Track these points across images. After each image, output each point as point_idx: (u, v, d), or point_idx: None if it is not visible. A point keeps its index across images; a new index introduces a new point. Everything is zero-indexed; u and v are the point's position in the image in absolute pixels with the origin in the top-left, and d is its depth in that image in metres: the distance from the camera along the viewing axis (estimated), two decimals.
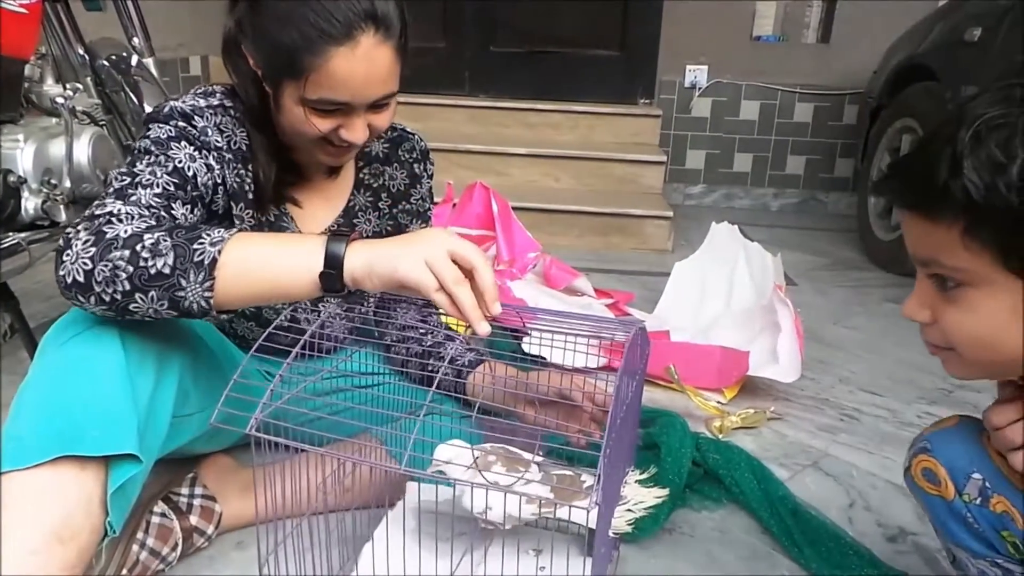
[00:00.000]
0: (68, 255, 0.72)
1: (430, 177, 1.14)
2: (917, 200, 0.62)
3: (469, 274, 0.74)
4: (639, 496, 0.82)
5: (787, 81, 3.36)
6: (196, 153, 0.88)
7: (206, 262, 0.70)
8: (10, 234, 1.36)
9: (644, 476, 0.88)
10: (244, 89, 0.92)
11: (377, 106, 0.89)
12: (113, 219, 0.75)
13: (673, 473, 1.11)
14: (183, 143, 0.87)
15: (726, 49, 3.35)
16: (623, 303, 1.95)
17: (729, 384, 1.50)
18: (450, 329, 1.15)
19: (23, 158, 1.41)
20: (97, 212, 0.76)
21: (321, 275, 0.74)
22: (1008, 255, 0.57)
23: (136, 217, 0.76)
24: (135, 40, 1.96)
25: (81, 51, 1.81)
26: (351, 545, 0.90)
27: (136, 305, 0.72)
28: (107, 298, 0.71)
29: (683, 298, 1.84)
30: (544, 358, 1.23)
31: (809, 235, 3.05)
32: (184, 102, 0.91)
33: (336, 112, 0.87)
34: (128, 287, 0.70)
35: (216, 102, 0.93)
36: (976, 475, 0.70)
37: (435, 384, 0.74)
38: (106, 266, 0.70)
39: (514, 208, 2.10)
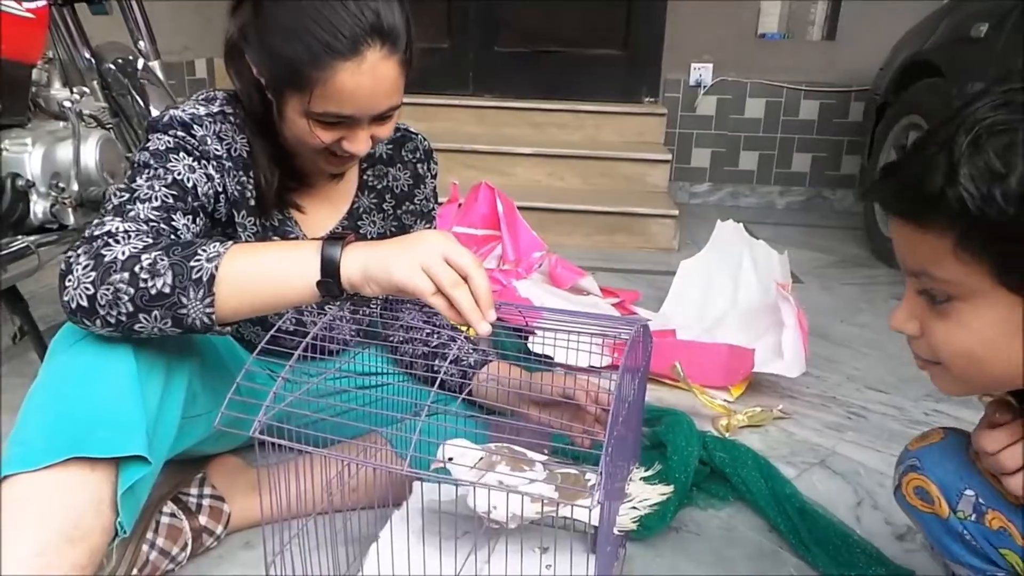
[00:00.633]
0: (70, 280, 0.72)
1: (434, 177, 1.14)
2: (909, 207, 0.59)
3: (464, 279, 0.74)
4: (644, 494, 0.82)
5: (792, 79, 3.35)
6: (195, 163, 0.88)
7: (204, 279, 0.71)
8: (19, 237, 1.37)
9: (649, 473, 0.88)
10: (247, 96, 0.92)
11: (380, 118, 0.89)
12: (111, 240, 0.75)
13: (679, 471, 1.11)
14: (182, 154, 0.87)
15: (731, 47, 3.34)
16: (629, 302, 1.95)
17: (735, 382, 1.50)
18: (455, 329, 1.16)
19: (31, 162, 1.42)
20: (96, 232, 0.76)
21: (319, 282, 0.74)
22: (1002, 268, 0.55)
23: (134, 235, 0.76)
24: (141, 43, 1.97)
25: (87, 55, 1.82)
26: (357, 545, 0.91)
27: (141, 325, 0.72)
28: (112, 320, 0.72)
29: (689, 297, 1.84)
30: (550, 357, 1.23)
31: (815, 232, 3.04)
32: (184, 110, 0.90)
33: (339, 124, 0.87)
34: (131, 308, 0.71)
35: (216, 109, 0.93)
36: (968, 492, 0.68)
37: (438, 384, 0.74)
38: (107, 289, 0.71)
39: (519, 208, 2.11)
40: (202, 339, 0.90)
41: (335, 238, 0.75)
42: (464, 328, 0.81)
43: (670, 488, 0.87)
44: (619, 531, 0.80)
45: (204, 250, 0.73)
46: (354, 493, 0.94)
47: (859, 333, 1.90)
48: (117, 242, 0.74)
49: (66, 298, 0.72)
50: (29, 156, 1.42)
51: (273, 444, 0.70)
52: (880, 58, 2.81)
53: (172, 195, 0.84)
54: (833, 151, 3.44)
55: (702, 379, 1.48)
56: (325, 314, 1.05)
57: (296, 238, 1.01)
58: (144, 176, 0.84)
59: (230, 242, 0.74)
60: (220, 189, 0.92)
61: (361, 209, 1.07)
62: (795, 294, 1.61)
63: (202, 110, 0.92)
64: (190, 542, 0.94)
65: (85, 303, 0.71)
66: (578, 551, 0.82)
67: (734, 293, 1.78)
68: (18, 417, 0.74)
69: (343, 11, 0.81)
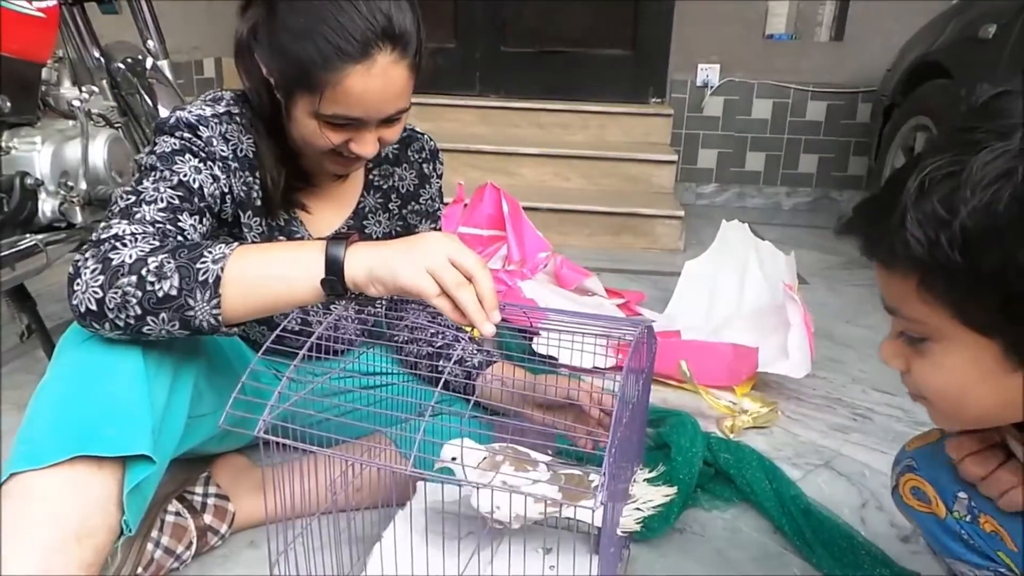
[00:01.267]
0: (78, 284, 0.73)
1: (439, 177, 1.14)
2: (873, 249, 0.58)
3: (468, 280, 0.74)
4: (648, 495, 0.82)
5: (800, 79, 3.34)
6: (201, 165, 0.88)
7: (210, 280, 0.71)
8: (27, 236, 1.38)
9: (653, 475, 0.88)
10: (255, 95, 0.92)
11: (388, 120, 0.89)
12: (118, 243, 0.75)
13: (684, 472, 1.11)
14: (188, 156, 0.88)
15: (738, 48, 3.33)
16: (634, 303, 1.95)
17: (740, 382, 1.50)
18: (460, 330, 1.16)
19: (40, 160, 1.43)
20: (103, 236, 0.77)
21: (323, 281, 0.74)
22: (961, 312, 0.53)
23: (140, 237, 0.77)
24: (150, 43, 1.98)
25: (97, 54, 1.83)
26: (361, 545, 0.91)
27: (149, 328, 0.73)
28: (121, 323, 0.72)
29: (694, 297, 1.84)
30: (555, 358, 1.23)
31: (822, 234, 3.03)
32: (191, 112, 0.91)
33: (348, 126, 0.87)
34: (139, 311, 0.71)
35: (223, 109, 0.93)
36: (962, 494, 0.69)
37: (441, 384, 0.74)
38: (116, 293, 0.71)
39: (525, 208, 2.11)
40: (208, 339, 0.90)
41: (339, 238, 0.75)
42: (469, 329, 0.81)
43: (674, 489, 0.87)
44: (622, 532, 0.80)
45: (210, 252, 0.73)
46: (358, 493, 0.94)
47: (865, 335, 1.89)
48: (124, 245, 0.75)
49: (75, 302, 0.73)
50: (38, 155, 1.43)
51: (277, 444, 0.70)
52: (888, 59, 2.80)
53: (178, 196, 0.84)
54: (840, 152, 3.43)
55: (706, 379, 1.48)
56: (330, 314, 1.05)
57: (302, 238, 1.02)
58: (150, 179, 0.85)
59: (236, 243, 0.75)
60: (226, 190, 0.92)
61: (367, 209, 1.08)
62: (801, 295, 1.60)
63: (208, 111, 0.92)
64: (195, 541, 0.95)
65: (94, 307, 0.72)
66: (581, 552, 0.82)
67: (740, 294, 1.77)
68: (25, 415, 0.75)
69: (355, 14, 0.81)
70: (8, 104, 1.33)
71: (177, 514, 0.94)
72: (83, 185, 1.48)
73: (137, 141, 1.86)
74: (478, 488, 0.73)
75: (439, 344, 1.10)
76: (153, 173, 0.85)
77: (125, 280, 0.71)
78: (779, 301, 1.60)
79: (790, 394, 1.53)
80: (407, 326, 1.09)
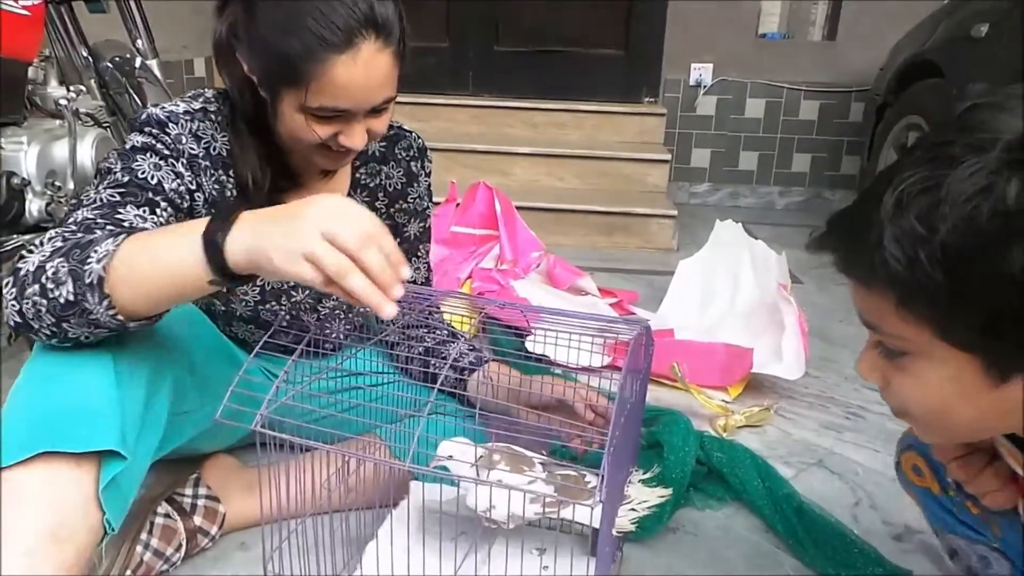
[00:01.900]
0: (4, 299, 0.71)
1: (428, 175, 1.13)
2: (850, 266, 0.56)
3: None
4: (643, 496, 0.82)
5: (793, 79, 3.35)
6: (162, 162, 0.87)
7: (94, 283, 0.67)
8: (14, 236, 1.37)
9: (648, 476, 0.88)
10: (238, 94, 0.91)
11: (376, 111, 0.89)
12: (27, 252, 0.73)
13: (676, 472, 1.11)
14: (149, 153, 0.87)
15: (731, 47, 3.34)
16: (627, 302, 1.95)
17: (733, 382, 1.50)
18: (453, 328, 1.15)
19: (27, 160, 1.41)
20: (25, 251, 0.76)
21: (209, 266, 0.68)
22: (943, 329, 0.52)
23: (48, 242, 0.73)
24: (139, 42, 1.97)
25: (85, 53, 1.81)
26: (354, 545, 0.90)
27: (72, 333, 0.70)
28: (47, 332, 0.71)
29: (688, 297, 1.84)
30: (548, 357, 1.23)
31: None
32: (163, 108, 0.90)
33: (336, 118, 0.87)
34: (52, 319, 0.69)
35: (198, 106, 0.92)
36: (950, 477, 0.70)
37: (437, 383, 0.73)
38: (28, 304, 0.69)
39: (518, 207, 2.10)
40: (191, 335, 0.89)
41: (221, 215, 0.68)
42: (468, 327, 0.81)
43: (669, 491, 0.87)
44: (618, 532, 0.80)
45: (97, 250, 0.69)
46: (351, 492, 0.93)
47: (857, 333, 1.88)
48: (31, 252, 0.72)
49: (6, 318, 0.71)
50: (25, 154, 1.41)
51: (272, 440, 0.70)
52: (880, 58, 2.81)
53: (120, 192, 0.83)
54: (833, 151, 3.44)
55: (700, 379, 1.47)
56: (318, 312, 1.05)
57: None
58: (102, 184, 0.84)
59: (122, 236, 0.70)
60: (192, 187, 0.91)
61: None
62: (794, 294, 1.60)
63: (181, 108, 0.91)
64: (184, 543, 0.94)
65: (19, 319, 0.70)
66: (576, 553, 0.82)
67: (733, 294, 1.77)
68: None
69: (337, 4, 0.81)
70: None
71: (167, 516, 0.93)
72: (71, 185, 1.47)
73: (125, 141, 1.85)
74: (476, 485, 0.72)
75: (431, 344, 1.10)
76: (108, 177, 0.85)
77: (30, 290, 0.69)
78: (772, 301, 1.60)
79: (783, 392, 1.53)
80: (398, 325, 1.09)
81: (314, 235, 0.63)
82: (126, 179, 0.84)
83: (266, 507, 0.76)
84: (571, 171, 2.99)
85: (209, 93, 0.95)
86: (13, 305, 0.70)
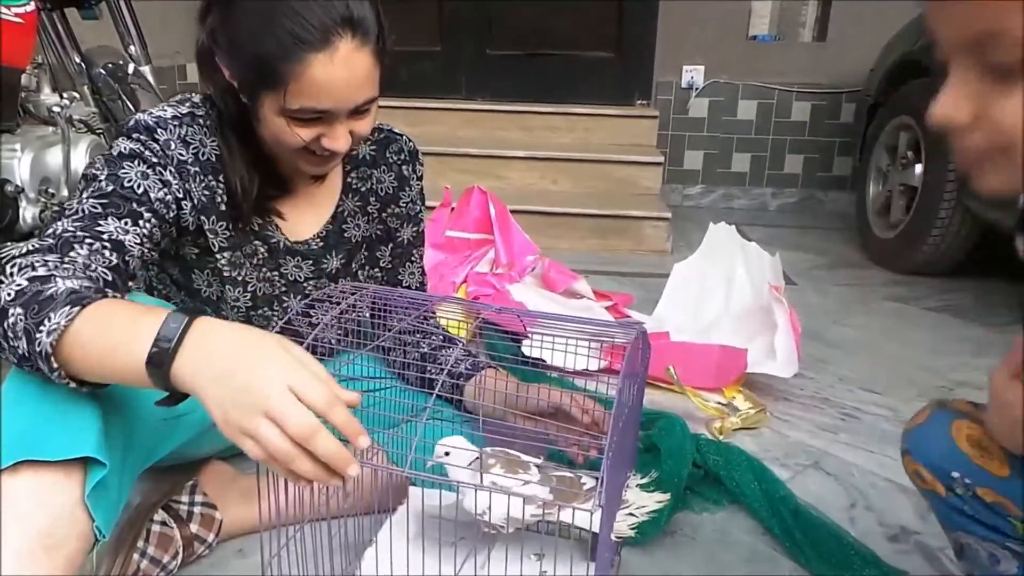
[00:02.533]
0: None
1: (419, 179, 1.13)
2: None
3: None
4: (641, 500, 0.82)
5: (784, 80, 3.37)
6: (149, 171, 0.87)
7: (44, 353, 0.66)
8: (8, 244, 1.36)
9: (645, 480, 0.88)
10: (222, 101, 0.91)
11: (358, 112, 0.88)
12: (5, 271, 0.71)
13: (674, 476, 1.11)
14: (136, 161, 0.86)
15: (722, 49, 3.35)
16: (622, 305, 1.95)
17: (728, 383, 1.50)
18: (448, 333, 1.15)
19: (20, 168, 1.41)
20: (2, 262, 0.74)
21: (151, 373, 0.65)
22: None
23: (18, 272, 0.71)
24: (131, 48, 1.96)
25: (78, 60, 1.81)
26: (353, 551, 0.90)
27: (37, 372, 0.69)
28: (15, 360, 0.69)
29: (682, 299, 1.84)
30: (544, 360, 1.23)
31: (808, 234, 3.05)
32: (151, 114, 0.90)
33: (317, 121, 0.86)
34: (14, 359, 0.69)
35: (185, 110, 0.92)
36: (955, 473, 0.69)
37: (434, 388, 0.73)
38: None
39: (512, 211, 2.11)
40: None
41: (166, 338, 0.63)
42: (463, 331, 0.81)
43: (667, 496, 0.87)
44: (617, 537, 0.80)
45: (50, 318, 0.66)
46: (349, 498, 0.93)
47: (852, 334, 1.91)
48: (2, 282, 0.71)
49: None
50: (18, 162, 1.41)
51: None
52: (871, 59, 2.82)
53: (102, 203, 0.82)
54: (825, 152, 3.46)
55: (695, 380, 1.48)
56: (311, 318, 1.04)
57: (277, 243, 1.00)
58: (86, 191, 0.83)
59: (77, 307, 0.67)
60: (180, 195, 0.90)
61: (345, 212, 1.06)
62: (788, 296, 1.61)
63: (169, 113, 0.91)
64: (181, 550, 0.93)
65: None
66: (575, 558, 0.82)
67: (727, 295, 1.78)
68: None
69: (312, 3, 0.80)
70: None
71: (163, 523, 0.93)
72: (64, 192, 1.46)
73: (112, 146, 1.84)
74: (476, 489, 0.73)
75: (426, 349, 1.09)
76: (92, 184, 0.84)
77: None
78: (765, 302, 1.61)
79: (778, 394, 1.54)
80: (393, 331, 1.08)
81: (256, 415, 0.60)
82: (110, 188, 0.84)
83: (264, 514, 0.76)
84: (564, 174, 3.00)
85: (197, 97, 0.94)
86: None
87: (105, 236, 0.81)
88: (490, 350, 1.55)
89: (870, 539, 1.07)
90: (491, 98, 3.40)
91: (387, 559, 0.79)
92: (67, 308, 0.66)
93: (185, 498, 0.97)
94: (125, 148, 0.87)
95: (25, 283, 0.69)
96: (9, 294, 0.69)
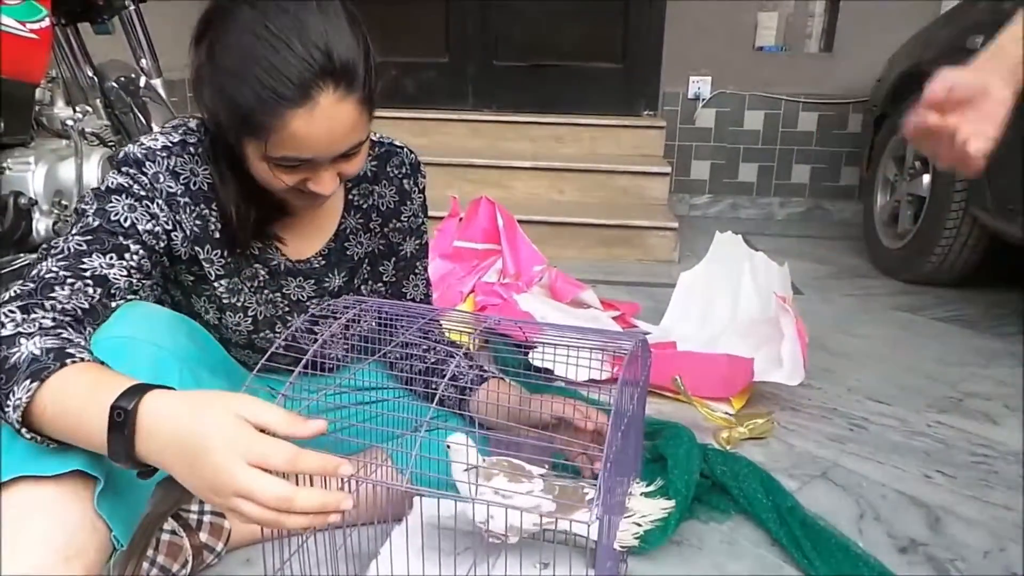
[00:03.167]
0: None
1: (422, 191, 1.11)
2: None
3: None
4: (645, 508, 0.82)
5: (791, 91, 3.37)
6: (136, 203, 0.86)
7: (15, 425, 0.68)
8: (22, 255, 1.38)
9: (650, 488, 0.88)
10: (214, 130, 0.88)
11: (345, 156, 0.85)
12: None
13: (681, 485, 1.11)
14: (124, 195, 0.86)
15: (729, 60, 3.36)
16: (629, 315, 1.95)
17: (735, 392, 1.50)
18: (454, 344, 1.16)
19: (34, 180, 1.43)
20: None
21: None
22: None
23: (0, 324, 0.72)
24: (143, 61, 1.99)
25: (90, 73, 1.84)
26: (358, 561, 0.91)
27: None
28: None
29: (689, 309, 1.84)
30: (551, 371, 1.23)
31: (815, 244, 3.05)
32: (141, 144, 0.89)
33: (302, 166, 0.83)
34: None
35: (177, 139, 0.90)
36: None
37: (436, 401, 0.74)
38: None
39: (519, 221, 2.11)
40: (196, 351, 0.89)
41: (128, 402, 0.64)
42: (468, 340, 0.81)
43: (672, 503, 0.87)
44: (620, 546, 0.80)
45: (14, 391, 0.67)
46: (354, 509, 0.93)
47: (860, 344, 1.90)
48: None
49: None
50: (32, 174, 1.43)
51: None
52: (877, 70, 2.83)
53: (87, 240, 0.83)
54: (832, 162, 3.46)
55: (702, 390, 1.48)
56: (316, 333, 1.04)
57: (278, 265, 0.99)
58: (75, 227, 0.84)
59: (36, 383, 0.67)
60: (169, 227, 0.89)
61: (348, 230, 1.05)
62: (795, 305, 1.61)
63: (159, 143, 0.89)
64: (190, 559, 0.94)
65: None
66: (578, 566, 0.82)
67: (734, 305, 1.78)
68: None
69: (289, 55, 0.75)
70: (2, 125, 1.33)
71: (172, 532, 0.94)
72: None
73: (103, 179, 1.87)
74: (474, 502, 0.73)
75: (432, 360, 1.10)
76: (80, 221, 0.85)
77: None
78: (772, 312, 1.61)
79: (786, 404, 1.53)
80: (398, 342, 1.09)
81: (230, 496, 0.61)
82: (96, 223, 0.84)
83: None
84: (571, 184, 3.01)
85: (192, 123, 0.93)
86: None
87: (88, 273, 0.81)
88: (497, 360, 1.56)
89: (879, 550, 1.06)
90: (498, 109, 3.43)
91: (392, 568, 0.79)
92: (27, 383, 0.67)
93: (195, 507, 0.98)
94: (113, 183, 0.87)
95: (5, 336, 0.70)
96: None
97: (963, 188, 2.21)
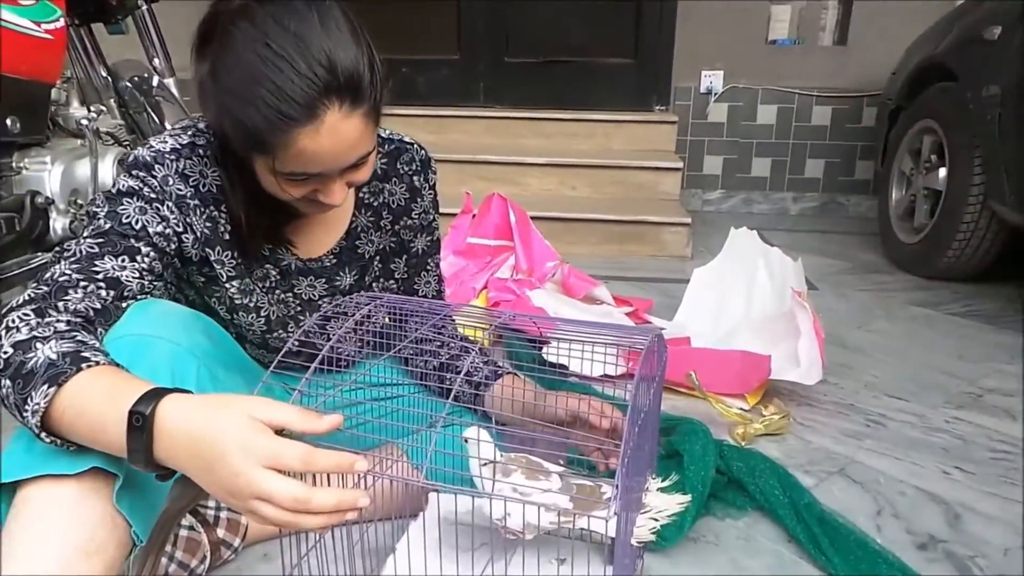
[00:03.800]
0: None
1: (432, 187, 1.11)
2: None
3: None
4: (662, 504, 0.82)
5: (804, 84, 3.34)
6: (147, 206, 0.87)
7: (35, 430, 0.69)
8: (39, 254, 1.39)
9: (666, 484, 0.88)
10: (221, 138, 0.88)
11: (354, 166, 0.85)
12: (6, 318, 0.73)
13: (697, 481, 1.10)
14: (134, 198, 0.86)
15: (741, 53, 3.34)
16: (643, 310, 1.95)
17: (751, 389, 1.49)
18: (467, 340, 1.16)
19: (51, 180, 1.44)
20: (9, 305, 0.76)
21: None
22: None
23: (6, 333, 0.72)
24: (156, 61, 2.00)
25: (104, 73, 1.85)
26: (375, 557, 0.91)
27: None
28: (21, 423, 0.71)
29: (703, 304, 1.83)
30: (565, 367, 1.23)
31: (829, 239, 3.02)
32: (151, 147, 0.89)
33: (311, 179, 0.83)
34: (21, 423, 0.70)
35: (186, 140, 0.90)
36: None
37: (451, 397, 0.74)
38: None
39: (531, 217, 2.11)
40: (214, 348, 0.90)
41: (141, 410, 0.64)
42: (481, 336, 0.81)
43: (688, 498, 0.87)
44: (637, 542, 0.80)
45: (32, 397, 0.68)
46: (371, 504, 0.94)
47: (876, 340, 1.88)
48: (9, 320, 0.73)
49: None
50: (48, 174, 1.44)
51: None
52: (892, 62, 2.80)
53: (99, 243, 0.83)
54: (846, 156, 3.43)
55: (717, 387, 1.47)
56: (327, 332, 1.04)
57: (289, 265, 1.00)
58: (87, 229, 0.85)
59: (53, 388, 0.68)
60: (179, 229, 0.89)
61: (359, 229, 1.05)
62: (810, 301, 1.59)
63: (168, 145, 0.89)
64: (208, 555, 0.95)
65: None
66: (595, 562, 0.82)
67: (748, 301, 1.77)
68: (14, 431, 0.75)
69: (292, 73, 0.74)
70: (18, 125, 1.34)
71: (191, 528, 0.94)
72: None
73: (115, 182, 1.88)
74: (491, 498, 0.73)
75: (446, 356, 1.10)
76: (92, 224, 0.85)
77: None
78: (788, 308, 1.59)
79: (802, 400, 1.52)
80: (410, 339, 1.09)
81: (248, 498, 0.62)
82: (108, 226, 0.84)
83: None
84: (583, 180, 3.00)
85: (202, 124, 0.93)
86: None
87: (100, 276, 0.81)
88: (511, 356, 1.56)
89: (898, 547, 1.05)
90: (510, 105, 3.42)
91: (409, 565, 0.79)
92: (44, 387, 0.68)
93: (212, 503, 0.98)
94: (124, 186, 0.87)
95: (10, 350, 0.71)
96: (4, 349, 0.71)
97: (981, 182, 2.18)
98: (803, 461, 1.30)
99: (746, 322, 1.71)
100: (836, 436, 1.39)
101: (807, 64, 3.33)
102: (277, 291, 1.00)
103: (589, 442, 0.92)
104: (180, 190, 0.89)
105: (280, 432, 0.65)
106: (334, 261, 1.03)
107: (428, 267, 1.14)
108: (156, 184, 0.88)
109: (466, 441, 0.77)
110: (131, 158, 0.89)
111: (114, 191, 0.88)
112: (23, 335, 0.72)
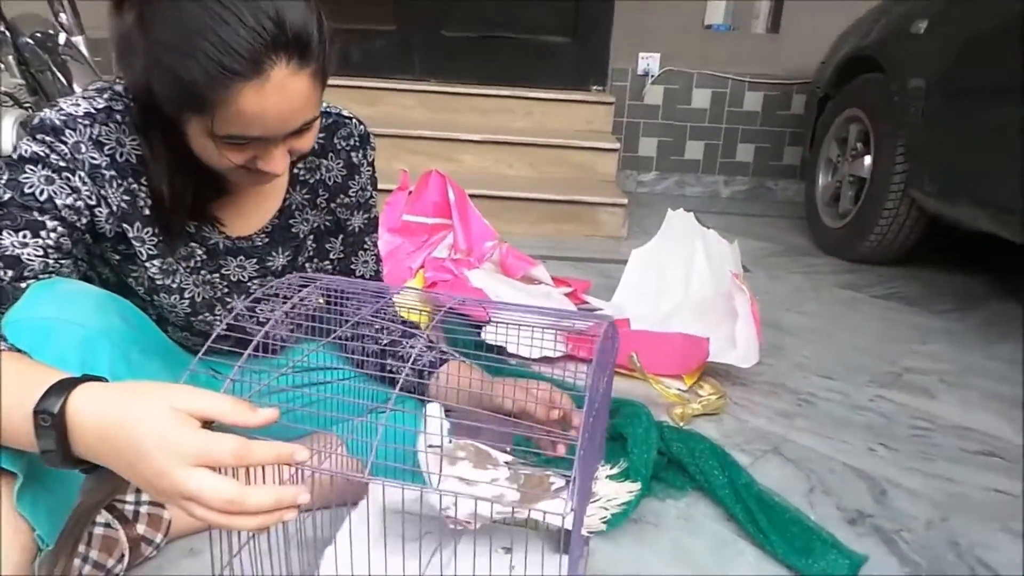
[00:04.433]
0: None
1: (371, 163, 1.06)
2: None
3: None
4: (612, 492, 0.80)
5: (737, 70, 3.41)
6: (55, 175, 0.79)
7: None
8: None
9: (615, 471, 0.87)
10: (145, 101, 0.79)
11: (297, 132, 0.79)
12: None
13: (641, 464, 1.11)
14: (39, 166, 0.78)
15: (678, 37, 3.37)
16: (580, 291, 1.94)
17: (690, 370, 1.51)
18: (407, 324, 1.11)
19: None
20: None
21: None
22: None
23: None
24: (62, 16, 1.85)
25: (2, 28, 1.69)
26: (312, 549, 0.87)
27: None
28: None
29: (641, 286, 1.84)
30: (503, 349, 1.20)
31: (759, 222, 3.11)
32: (61, 110, 0.80)
33: (251, 144, 0.77)
34: None
35: (102, 105, 0.82)
36: None
37: (395, 385, 0.70)
38: None
39: (468, 195, 2.07)
40: (128, 335, 0.83)
41: (48, 418, 0.58)
42: (423, 319, 0.77)
43: (637, 486, 0.86)
44: (588, 532, 0.78)
45: None
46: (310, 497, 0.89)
47: (806, 321, 1.94)
48: None
49: None
50: None
51: None
52: (822, 51, 2.87)
53: None
54: (776, 142, 3.52)
55: (657, 368, 1.48)
56: (257, 315, 0.98)
57: (216, 244, 0.93)
58: None
59: None
60: (92, 202, 0.82)
61: (293, 206, 0.99)
62: (748, 284, 1.62)
63: (81, 108, 0.81)
64: (127, 553, 0.88)
65: None
66: (545, 551, 0.80)
67: (687, 283, 1.78)
68: None
69: (237, 25, 0.69)
70: None
71: (107, 525, 0.88)
72: None
73: (16, 147, 1.74)
74: (441, 494, 0.70)
75: (386, 341, 1.05)
76: None
77: None
78: (725, 290, 1.62)
79: (736, 380, 1.55)
80: (350, 323, 1.04)
81: (178, 498, 0.56)
82: (7, 197, 0.76)
83: None
84: (520, 159, 2.97)
85: (119, 86, 0.84)
86: None
87: (4, 250, 0.74)
88: (450, 339, 1.52)
89: (829, 523, 1.08)
90: (446, 80, 3.34)
91: (352, 558, 0.75)
92: None
93: (131, 497, 0.91)
94: (27, 151, 0.78)
95: None
96: None
97: (903, 171, 2.27)
98: (739, 440, 1.33)
99: (685, 304, 1.73)
100: (770, 416, 1.43)
101: (741, 50, 3.39)
102: (203, 271, 0.93)
103: (537, 431, 0.90)
104: (94, 159, 0.81)
105: (207, 424, 0.59)
106: (266, 240, 0.97)
107: (365, 246, 1.09)
108: (66, 151, 0.79)
109: (426, 419, 0.73)
110: (36, 121, 0.80)
111: (15, 157, 0.78)
112: None
